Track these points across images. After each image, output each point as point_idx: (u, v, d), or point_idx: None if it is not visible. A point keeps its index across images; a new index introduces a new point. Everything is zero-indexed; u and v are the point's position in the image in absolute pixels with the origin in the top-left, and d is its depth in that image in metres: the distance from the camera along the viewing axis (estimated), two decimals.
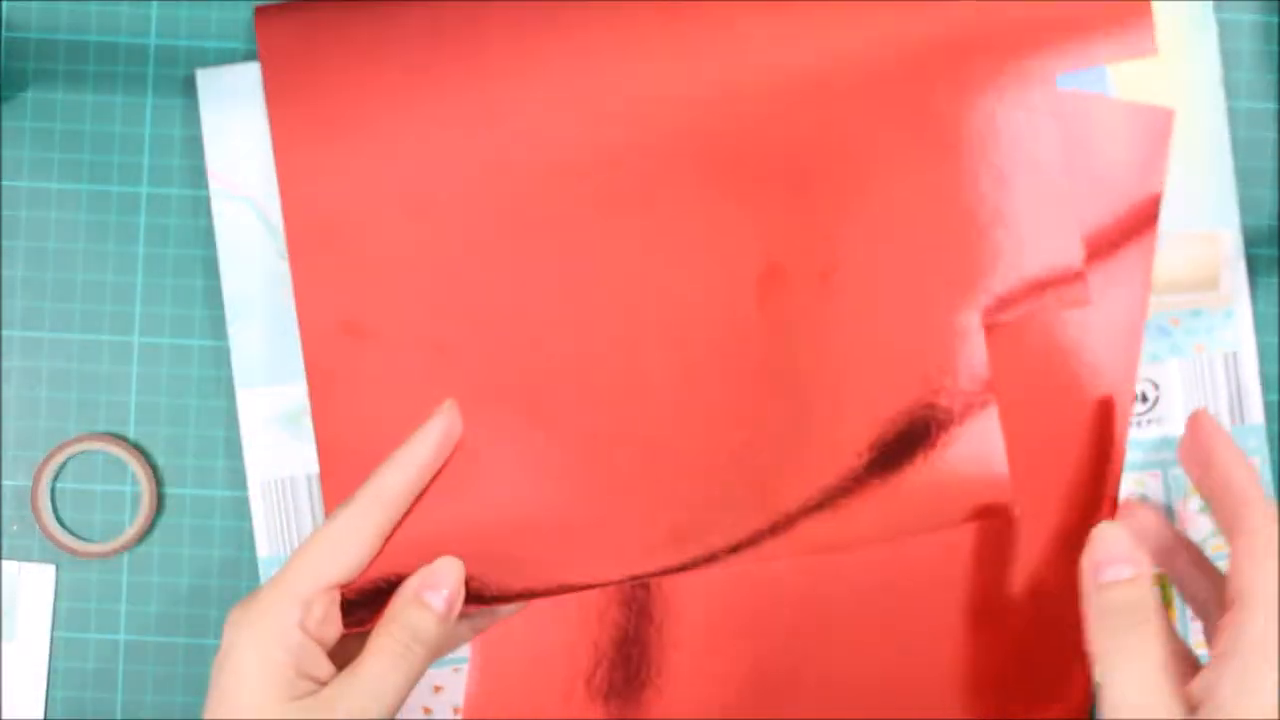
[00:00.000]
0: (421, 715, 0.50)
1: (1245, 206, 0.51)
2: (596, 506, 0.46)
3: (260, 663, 0.41)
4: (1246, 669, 0.40)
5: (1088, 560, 0.43)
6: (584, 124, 0.47)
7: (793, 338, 0.47)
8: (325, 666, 0.42)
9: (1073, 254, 0.47)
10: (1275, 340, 0.51)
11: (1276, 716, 0.39)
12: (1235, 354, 0.50)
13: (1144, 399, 0.50)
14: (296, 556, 0.43)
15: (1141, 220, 0.49)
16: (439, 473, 0.46)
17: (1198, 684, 0.40)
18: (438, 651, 0.44)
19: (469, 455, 0.46)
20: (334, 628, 0.43)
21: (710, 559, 0.46)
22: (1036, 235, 0.47)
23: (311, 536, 0.43)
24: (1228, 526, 0.43)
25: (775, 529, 0.46)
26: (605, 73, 0.47)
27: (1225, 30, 0.51)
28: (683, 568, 0.46)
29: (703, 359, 0.47)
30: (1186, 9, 0.50)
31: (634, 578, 0.46)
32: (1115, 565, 0.42)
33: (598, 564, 0.46)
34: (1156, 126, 0.49)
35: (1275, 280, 0.51)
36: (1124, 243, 0.49)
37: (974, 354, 0.46)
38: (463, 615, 0.45)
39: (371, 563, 0.44)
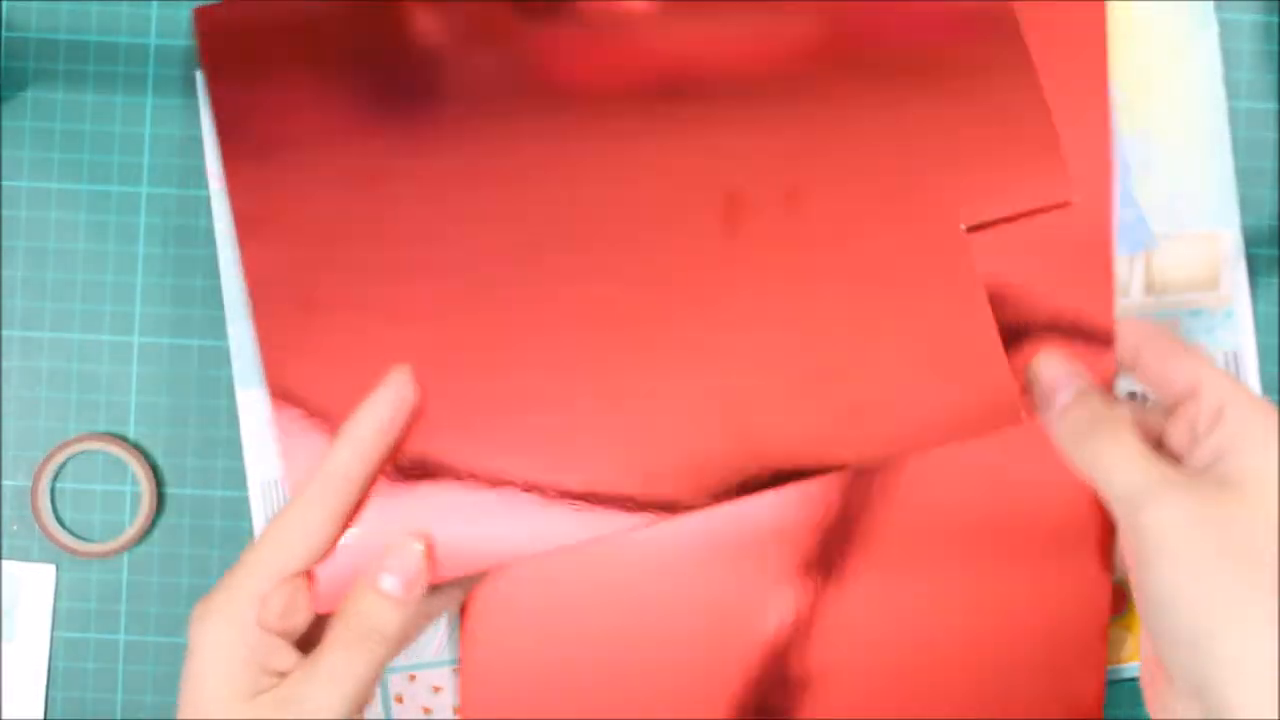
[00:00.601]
0: (421, 715, 0.50)
1: (1245, 206, 0.51)
2: (567, 464, 0.46)
3: (221, 661, 0.41)
4: (1252, 419, 0.41)
5: (1037, 392, 0.45)
6: (529, 73, 0.47)
7: (767, 268, 0.46)
8: (289, 658, 0.42)
9: (1052, 152, 0.47)
10: (1275, 340, 0.51)
11: None
12: (1235, 354, 0.50)
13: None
14: (250, 551, 0.42)
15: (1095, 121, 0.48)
16: (401, 443, 0.45)
17: (1204, 451, 0.42)
18: (404, 634, 0.43)
19: (433, 423, 0.45)
20: (300, 615, 0.42)
21: (689, 506, 0.45)
22: (1012, 140, 0.47)
23: (265, 529, 0.43)
24: (1179, 388, 0.44)
25: (759, 468, 0.46)
26: (547, 24, 0.47)
27: (1225, 30, 0.51)
28: (661, 516, 0.45)
29: (672, 305, 0.46)
30: (1186, 9, 0.50)
31: (611, 530, 0.45)
32: (1063, 390, 0.45)
33: (571, 524, 0.45)
34: (1088, 19, 0.48)
35: (1275, 280, 0.51)
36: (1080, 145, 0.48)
37: (961, 264, 0.46)
38: (434, 588, 0.44)
39: (335, 542, 0.43)
